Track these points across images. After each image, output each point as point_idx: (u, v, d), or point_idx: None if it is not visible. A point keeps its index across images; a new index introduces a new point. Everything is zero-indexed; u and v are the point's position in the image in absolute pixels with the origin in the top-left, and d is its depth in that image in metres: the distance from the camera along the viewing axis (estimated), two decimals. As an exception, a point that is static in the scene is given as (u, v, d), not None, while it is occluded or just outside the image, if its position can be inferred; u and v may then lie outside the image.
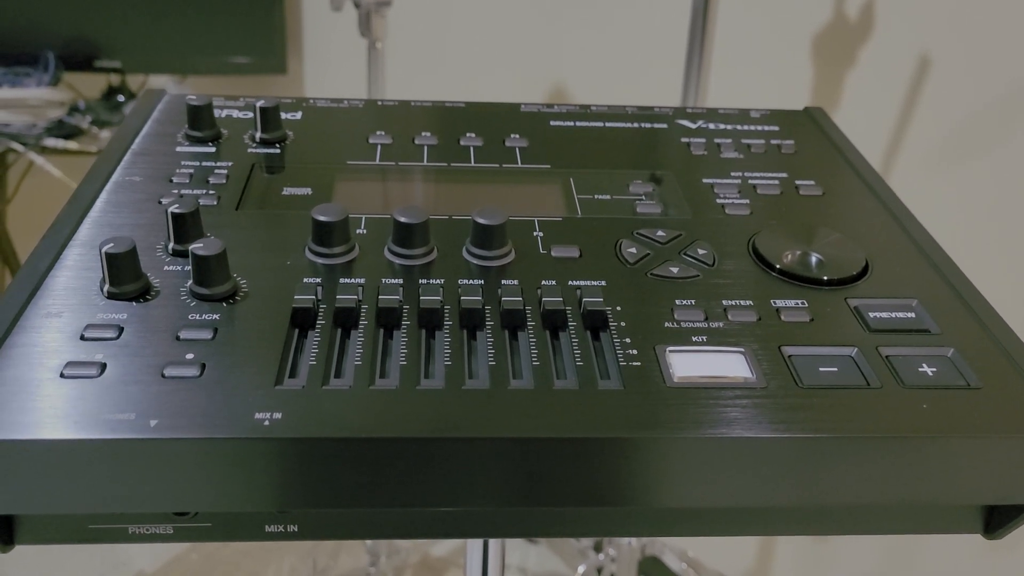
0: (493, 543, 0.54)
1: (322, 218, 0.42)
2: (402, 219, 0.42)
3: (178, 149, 0.51)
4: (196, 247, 0.39)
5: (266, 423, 0.34)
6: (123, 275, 0.39)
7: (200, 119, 0.52)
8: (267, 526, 0.38)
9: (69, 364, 0.36)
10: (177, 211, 0.41)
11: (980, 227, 1.14)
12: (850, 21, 1.20)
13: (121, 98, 1.73)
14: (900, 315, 0.41)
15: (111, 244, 0.39)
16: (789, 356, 0.39)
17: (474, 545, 0.54)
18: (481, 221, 0.43)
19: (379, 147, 0.54)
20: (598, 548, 1.40)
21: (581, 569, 1.38)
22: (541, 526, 0.39)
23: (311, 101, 0.58)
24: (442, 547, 1.71)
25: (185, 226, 0.42)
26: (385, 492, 0.35)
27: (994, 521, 0.40)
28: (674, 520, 0.39)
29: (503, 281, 0.42)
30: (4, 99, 1.60)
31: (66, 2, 1.67)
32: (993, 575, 1.26)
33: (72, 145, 1.57)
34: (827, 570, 1.45)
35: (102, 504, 0.35)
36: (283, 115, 0.55)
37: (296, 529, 0.38)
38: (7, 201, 1.87)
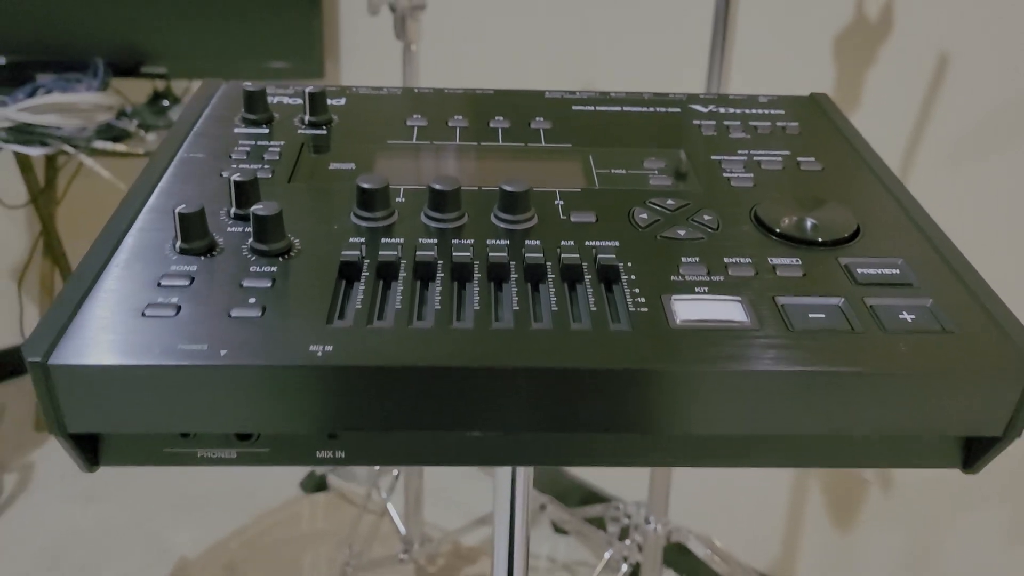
0: (519, 532, 0.58)
1: (366, 185, 0.47)
2: (437, 186, 0.47)
3: (235, 131, 0.57)
4: (256, 208, 0.44)
5: (319, 354, 0.39)
6: (193, 233, 0.44)
7: (255, 104, 0.58)
8: (318, 452, 0.43)
9: (149, 306, 0.41)
10: (238, 179, 0.47)
11: (998, 224, 1.17)
12: (870, 20, 1.23)
13: (166, 103, 1.80)
14: (886, 271, 0.46)
15: (183, 206, 0.44)
16: (782, 305, 0.43)
17: (501, 535, 0.58)
18: (508, 188, 0.48)
19: (416, 128, 0.59)
20: (623, 535, 1.44)
21: (607, 555, 1.42)
22: (563, 454, 0.44)
23: (354, 89, 0.64)
24: (473, 537, 1.76)
25: (245, 193, 0.47)
26: (423, 416, 0.40)
27: (971, 456, 0.44)
28: (676, 450, 0.44)
29: (527, 241, 0.47)
30: (56, 103, 1.68)
31: (115, 12, 1.75)
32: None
33: (120, 147, 1.64)
34: (852, 563, 1.47)
35: (176, 424, 0.40)
36: (328, 101, 0.60)
37: (343, 455, 0.43)
38: (57, 202, 1.95)
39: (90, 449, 0.42)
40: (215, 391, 0.39)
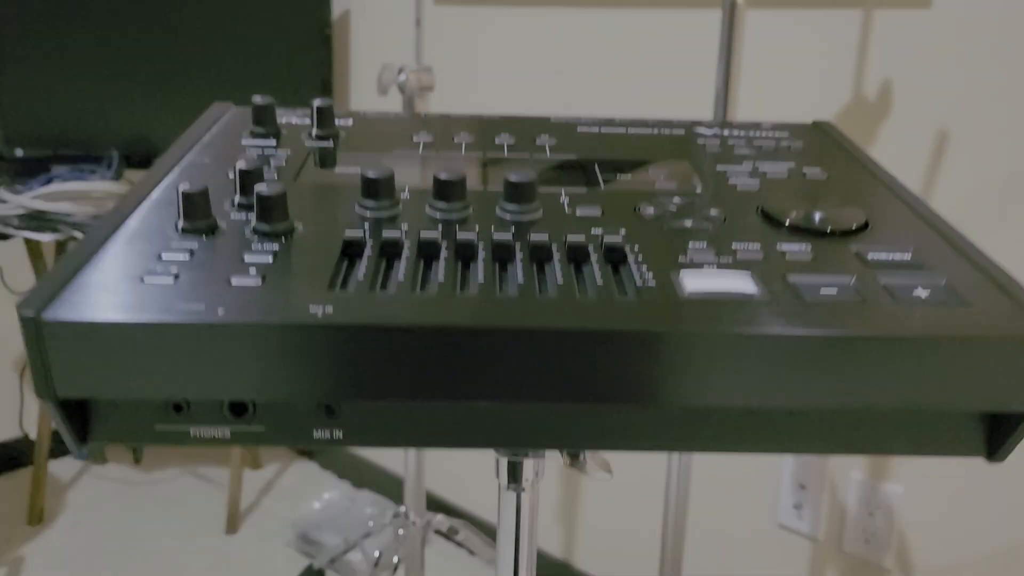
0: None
1: (371, 174, 0.47)
2: (442, 176, 0.47)
3: (243, 142, 0.57)
4: (260, 187, 0.44)
5: (319, 314, 0.38)
6: (196, 212, 0.44)
7: (263, 117, 0.58)
8: (315, 431, 0.42)
9: (148, 273, 0.40)
10: (244, 168, 0.47)
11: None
12: (869, 99, 1.26)
13: (178, 192, 1.83)
14: (897, 256, 0.45)
15: (187, 185, 0.44)
16: (792, 282, 0.42)
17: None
18: (513, 178, 0.47)
19: (421, 143, 0.59)
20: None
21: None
22: (571, 434, 0.42)
23: (361, 113, 0.65)
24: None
25: (250, 181, 0.47)
26: (425, 384, 0.38)
27: (994, 442, 0.42)
28: (684, 429, 0.42)
29: (532, 228, 0.46)
30: (69, 192, 1.70)
31: (130, 106, 1.80)
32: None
33: (130, 233, 1.66)
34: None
35: (170, 390, 0.38)
36: (336, 122, 0.61)
37: (342, 435, 0.42)
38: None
39: (80, 423, 0.41)
40: (211, 352, 0.38)
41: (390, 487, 2.01)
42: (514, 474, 0.56)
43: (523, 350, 0.38)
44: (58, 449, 2.20)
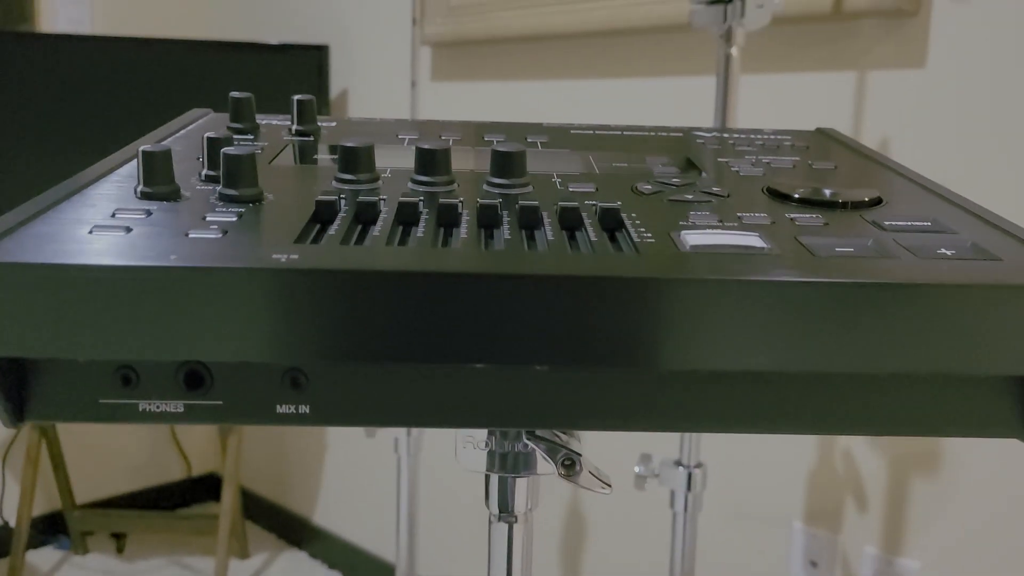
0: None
1: (349, 144, 0.44)
2: (425, 146, 0.44)
3: None
4: (227, 149, 0.41)
5: (283, 260, 0.34)
6: (157, 176, 0.41)
7: (241, 111, 0.55)
8: (278, 406, 0.37)
9: (97, 227, 0.37)
10: (212, 136, 0.44)
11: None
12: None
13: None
14: (918, 223, 0.41)
15: (149, 146, 0.41)
16: (805, 242, 0.38)
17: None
18: (501, 149, 0.44)
19: (407, 139, 0.56)
20: None
21: None
22: (567, 410, 0.38)
23: (346, 117, 0.62)
24: None
25: (219, 150, 0.43)
26: (402, 342, 0.34)
27: None
28: (691, 403, 0.38)
29: (521, 199, 0.43)
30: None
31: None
32: None
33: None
34: None
35: (115, 348, 0.34)
36: (319, 123, 0.58)
37: (308, 411, 0.37)
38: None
39: (16, 399, 0.37)
40: (161, 304, 0.33)
41: (382, 576, 1.93)
42: (505, 499, 0.51)
43: (512, 301, 0.34)
44: (38, 539, 2.12)
